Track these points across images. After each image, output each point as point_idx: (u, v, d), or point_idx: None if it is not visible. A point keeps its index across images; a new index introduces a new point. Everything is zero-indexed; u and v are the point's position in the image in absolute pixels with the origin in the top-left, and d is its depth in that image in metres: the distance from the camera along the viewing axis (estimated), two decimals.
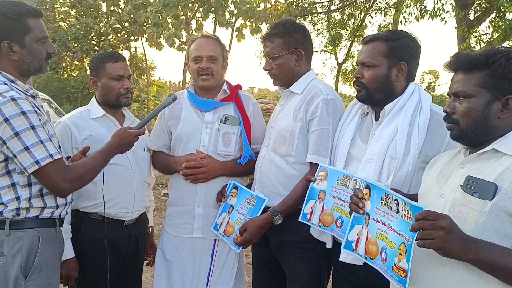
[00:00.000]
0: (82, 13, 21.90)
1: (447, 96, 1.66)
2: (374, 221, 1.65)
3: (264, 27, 16.27)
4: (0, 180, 1.84)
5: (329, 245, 2.13)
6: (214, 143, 2.51)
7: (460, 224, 1.44)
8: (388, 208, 1.59)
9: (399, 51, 2.02)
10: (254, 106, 2.64)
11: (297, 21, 2.49)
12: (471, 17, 9.39)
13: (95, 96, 2.60)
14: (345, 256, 1.95)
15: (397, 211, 1.54)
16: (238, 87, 2.64)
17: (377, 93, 2.05)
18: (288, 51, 2.35)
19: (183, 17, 18.01)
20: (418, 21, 10.82)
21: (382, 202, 1.63)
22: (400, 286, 1.48)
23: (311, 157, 2.24)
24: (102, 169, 2.06)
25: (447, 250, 1.37)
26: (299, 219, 2.09)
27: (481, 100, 1.53)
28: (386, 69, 2.02)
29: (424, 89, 2.17)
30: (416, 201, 1.72)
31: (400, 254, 1.50)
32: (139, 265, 2.71)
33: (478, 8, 9.40)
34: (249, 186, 2.54)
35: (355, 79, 2.13)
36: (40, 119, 1.84)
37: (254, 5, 17.55)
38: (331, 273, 2.31)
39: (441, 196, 1.59)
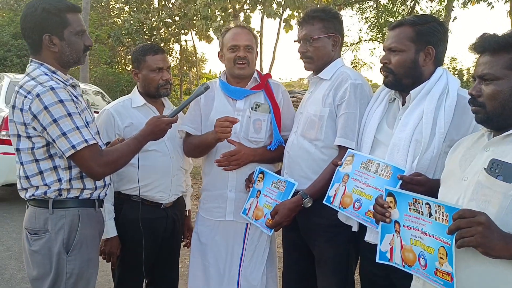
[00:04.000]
0: (135, 8, 22.60)
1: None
2: (405, 228, 1.60)
3: None
4: (43, 163, 1.98)
5: (355, 228, 2.16)
6: (245, 130, 2.58)
7: (484, 207, 1.42)
8: (419, 213, 1.55)
9: (426, 35, 2.00)
10: (283, 94, 2.69)
11: (339, 10, 2.50)
12: None
13: (136, 86, 2.74)
14: (369, 235, 2.00)
15: (430, 215, 1.50)
16: (268, 75, 2.70)
17: (404, 78, 2.04)
18: (327, 35, 2.39)
19: (231, 9, 18.15)
20: (472, 5, 10.36)
21: (410, 208, 1.58)
22: None
23: (339, 140, 2.26)
24: (135, 155, 2.16)
25: (487, 245, 1.34)
26: (323, 202, 2.13)
27: (508, 82, 1.49)
28: (414, 54, 2.01)
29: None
30: (439, 186, 1.72)
31: (441, 258, 1.45)
32: (176, 245, 2.85)
33: None
34: (278, 173, 2.57)
35: (382, 65, 2.12)
36: (77, 107, 1.97)
37: None
38: (359, 257, 2.34)
39: (464, 179, 1.56)
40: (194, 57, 23.86)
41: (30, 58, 2.06)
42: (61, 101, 1.90)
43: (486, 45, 1.54)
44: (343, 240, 2.29)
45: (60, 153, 1.96)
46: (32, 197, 2.01)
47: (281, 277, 2.69)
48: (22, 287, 3.88)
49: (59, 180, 2.00)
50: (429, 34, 2.00)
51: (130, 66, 23.46)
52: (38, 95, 1.88)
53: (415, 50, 2.01)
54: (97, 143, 2.02)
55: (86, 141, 1.93)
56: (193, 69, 24.61)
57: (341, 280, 2.31)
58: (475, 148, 1.63)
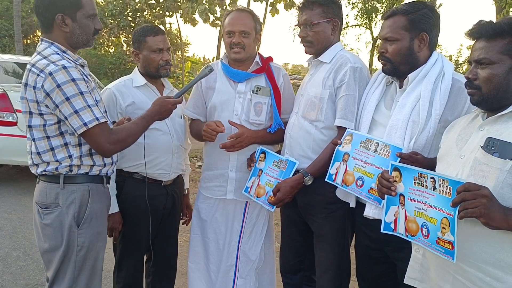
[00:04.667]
0: None
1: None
2: (410, 201, 1.72)
3: (298, 1, 16.05)
4: (55, 140, 2.04)
5: (352, 204, 2.27)
6: (246, 112, 2.66)
7: (482, 182, 1.52)
8: (423, 186, 1.65)
9: (419, 22, 2.09)
10: (284, 78, 2.76)
11: None
12: None
13: (137, 67, 2.79)
14: (368, 211, 2.11)
15: (434, 188, 1.61)
16: (270, 59, 2.76)
17: (401, 65, 2.14)
18: (326, 20, 2.47)
19: None
20: None
21: (415, 182, 1.69)
22: (448, 258, 1.53)
23: (338, 121, 2.36)
24: (142, 133, 2.23)
25: (489, 216, 1.43)
26: (325, 179, 2.24)
27: (503, 66, 1.60)
28: (408, 42, 2.10)
29: (462, 63, 2.23)
30: (436, 164, 1.84)
31: (443, 228, 1.55)
32: (175, 222, 2.93)
33: None
34: (278, 153, 2.65)
35: (379, 54, 2.23)
36: (87, 86, 2.02)
37: None
38: (355, 232, 2.46)
39: (461, 157, 1.67)
40: (179, 40, 23.59)
41: (40, 37, 2.10)
42: (73, 80, 1.95)
43: (483, 31, 1.64)
44: (341, 215, 2.40)
45: (70, 131, 2.02)
46: (43, 173, 2.07)
47: (279, 252, 2.81)
48: (19, 265, 3.94)
49: (70, 156, 2.06)
50: (421, 21, 2.09)
51: (114, 48, 23.25)
52: (51, 74, 1.92)
53: (410, 38, 2.10)
54: (107, 121, 2.08)
55: (97, 119, 1.99)
56: (178, 52, 24.36)
57: (339, 253, 2.43)
58: (471, 128, 1.74)
